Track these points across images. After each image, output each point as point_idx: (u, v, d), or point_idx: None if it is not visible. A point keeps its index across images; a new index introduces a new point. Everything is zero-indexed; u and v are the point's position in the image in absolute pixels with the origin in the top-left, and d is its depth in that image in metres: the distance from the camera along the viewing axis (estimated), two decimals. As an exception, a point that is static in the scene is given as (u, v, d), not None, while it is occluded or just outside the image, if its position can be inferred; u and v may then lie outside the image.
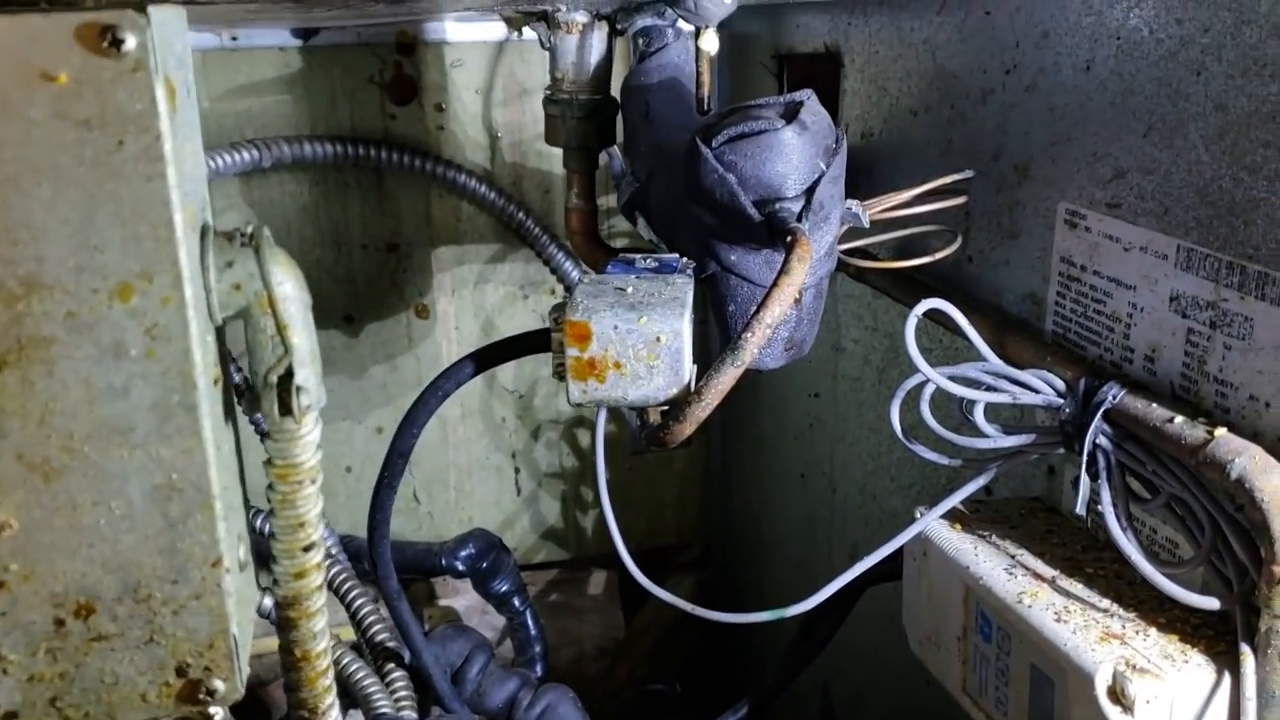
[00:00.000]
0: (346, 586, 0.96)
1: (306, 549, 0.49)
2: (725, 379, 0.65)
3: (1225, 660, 0.61)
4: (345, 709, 0.86)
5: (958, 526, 0.78)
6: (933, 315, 0.74)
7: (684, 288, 0.70)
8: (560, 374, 0.69)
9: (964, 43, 0.88)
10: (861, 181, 1.02)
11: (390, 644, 0.89)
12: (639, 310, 0.67)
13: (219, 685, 0.42)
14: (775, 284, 0.65)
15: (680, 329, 0.67)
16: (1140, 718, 0.60)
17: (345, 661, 0.83)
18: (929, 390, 0.74)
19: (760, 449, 1.47)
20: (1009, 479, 0.88)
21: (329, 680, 0.53)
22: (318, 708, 0.53)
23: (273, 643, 0.59)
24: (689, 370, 0.67)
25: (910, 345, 0.72)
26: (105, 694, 0.42)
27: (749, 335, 0.65)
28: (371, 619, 0.91)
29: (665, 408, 0.68)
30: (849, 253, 0.89)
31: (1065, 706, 0.64)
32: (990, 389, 0.73)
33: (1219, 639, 0.62)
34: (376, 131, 1.45)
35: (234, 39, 1.37)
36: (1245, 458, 0.58)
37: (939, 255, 0.83)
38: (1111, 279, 0.73)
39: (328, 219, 1.48)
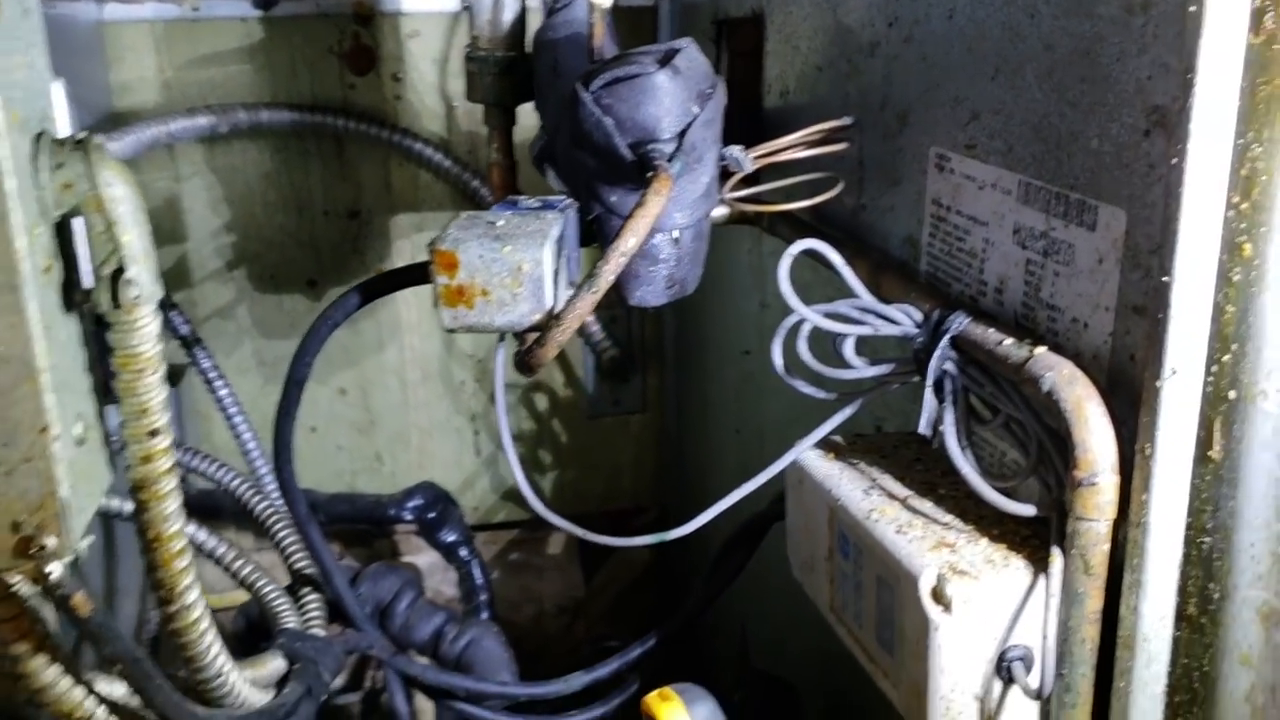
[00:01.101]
0: (273, 520, 1.00)
1: (152, 434, 0.53)
2: (583, 304, 0.69)
3: (1042, 563, 0.64)
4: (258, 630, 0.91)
5: (831, 456, 0.82)
6: (817, 257, 0.78)
7: (553, 222, 0.74)
8: (436, 302, 0.73)
9: (857, -2, 0.92)
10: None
11: (308, 571, 0.94)
12: (504, 240, 0.71)
13: (50, 542, 0.47)
14: (631, 216, 0.69)
15: (541, 258, 0.71)
16: (958, 616, 0.64)
17: (258, 582, 0.88)
18: (806, 328, 0.78)
19: (705, 409, 1.51)
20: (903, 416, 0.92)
21: (185, 562, 0.58)
22: (174, 586, 0.58)
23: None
24: (551, 298, 0.71)
25: (784, 285, 0.77)
26: (-56, 546, 0.47)
27: (604, 264, 0.69)
28: (293, 548, 0.96)
29: (534, 333, 0.72)
30: (746, 199, 0.93)
31: (899, 611, 0.68)
32: (859, 324, 0.77)
33: (1043, 547, 0.66)
34: (336, 100, 1.50)
35: (195, 9, 1.42)
36: (1054, 372, 0.62)
37: (820, 199, 0.86)
38: (970, 217, 0.77)
39: (290, 185, 1.53)
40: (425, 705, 1.30)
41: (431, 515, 1.39)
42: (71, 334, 0.50)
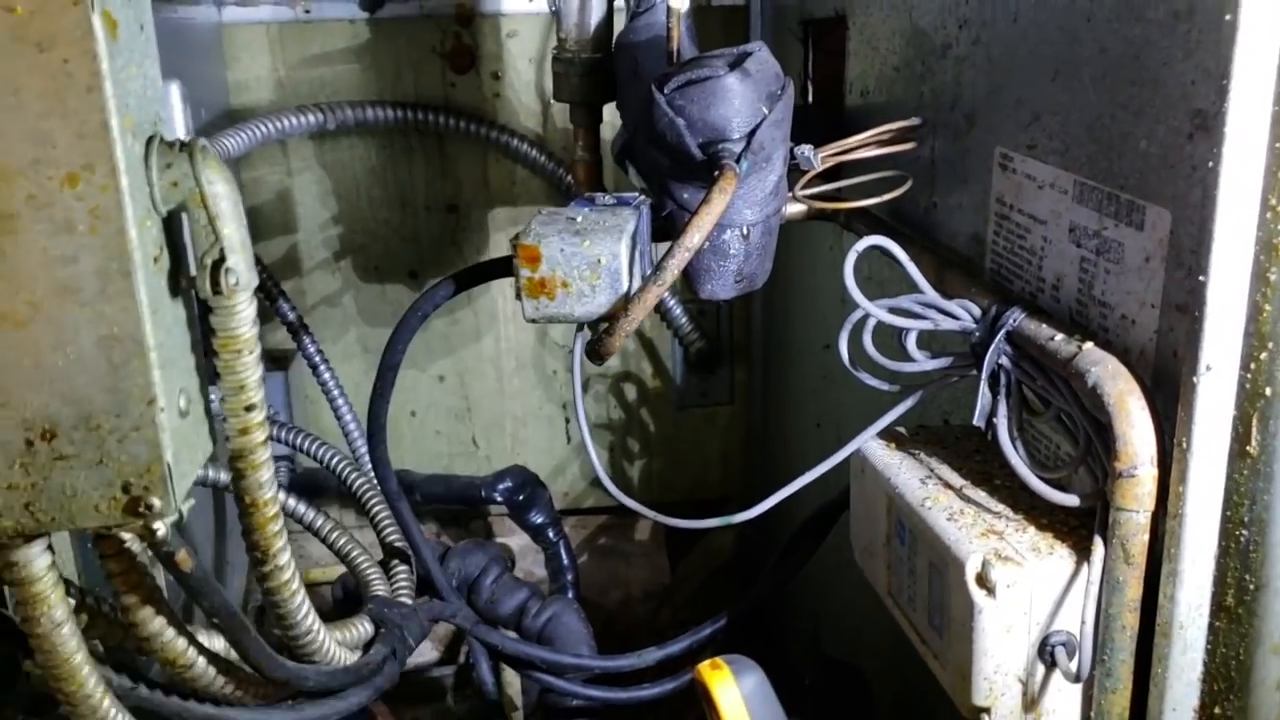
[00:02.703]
0: (368, 497, 1.07)
1: (248, 409, 0.59)
2: (650, 296, 0.73)
3: (1086, 553, 0.66)
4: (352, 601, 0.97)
5: (892, 446, 0.85)
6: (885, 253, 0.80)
7: (628, 217, 0.79)
8: (519, 294, 0.78)
9: (931, 0, 0.94)
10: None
11: (399, 544, 1.00)
12: (583, 235, 0.75)
13: (156, 503, 0.53)
14: (696, 213, 0.73)
15: (618, 251, 0.75)
16: (1001, 600, 0.66)
17: (352, 553, 0.94)
18: (871, 322, 0.81)
19: (789, 402, 1.54)
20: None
21: (278, 526, 0.64)
22: (269, 549, 0.64)
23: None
24: (626, 290, 0.76)
25: (849, 280, 0.80)
26: (67, 503, 0.53)
27: (671, 258, 0.73)
28: (385, 523, 1.02)
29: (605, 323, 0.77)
30: (817, 196, 0.95)
31: (947, 595, 0.71)
32: (921, 319, 0.80)
33: (1088, 537, 0.68)
34: (438, 98, 1.57)
35: (307, 11, 1.50)
36: (1099, 367, 0.64)
37: (887, 197, 0.89)
38: (1029, 215, 0.78)
39: (394, 181, 1.61)
40: (513, 677, 1.36)
41: (521, 497, 1.45)
42: (177, 317, 0.55)
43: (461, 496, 1.46)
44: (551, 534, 1.45)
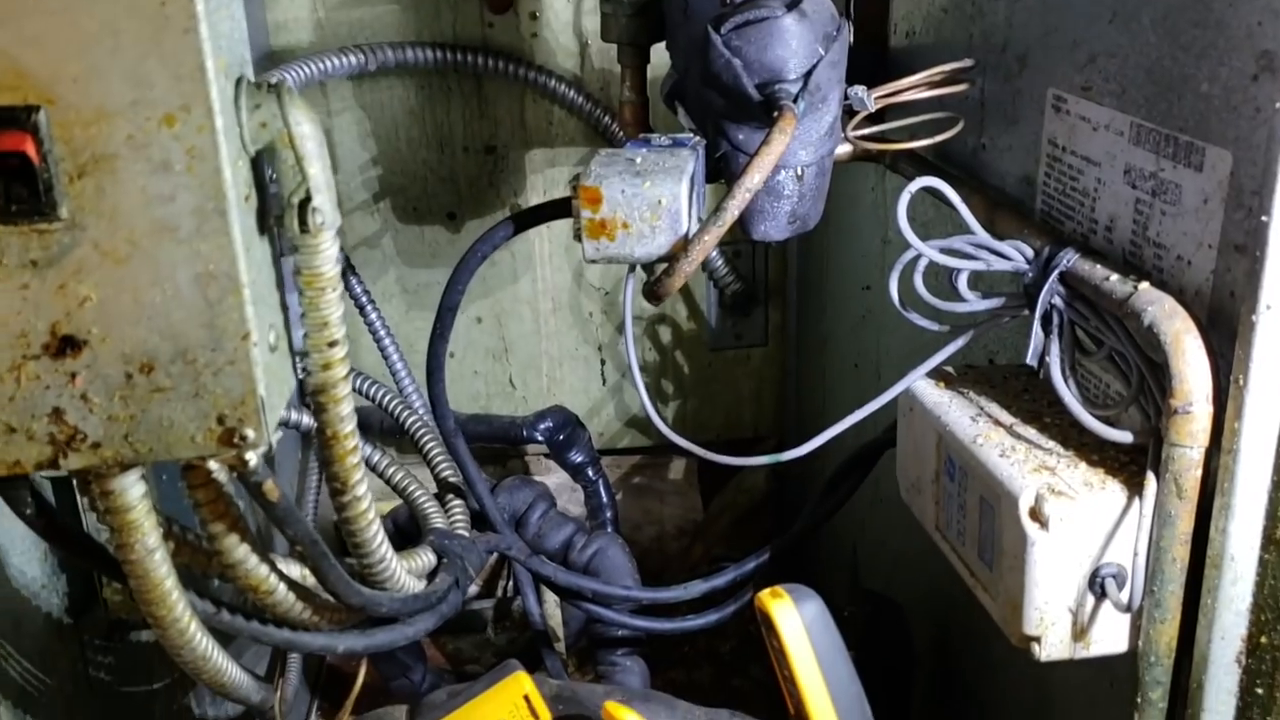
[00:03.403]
0: (421, 434, 1.09)
1: (331, 345, 0.61)
2: (710, 237, 0.74)
3: (1138, 488, 0.68)
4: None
5: (942, 385, 0.86)
6: (936, 194, 0.81)
7: (687, 159, 0.80)
8: (579, 235, 0.80)
9: (982, -61, 0.94)
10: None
11: (453, 480, 1.03)
12: (644, 177, 0.77)
13: (250, 433, 0.55)
14: (756, 153, 0.74)
15: (679, 193, 0.76)
16: (1054, 534, 0.68)
17: (410, 487, 0.97)
18: (923, 263, 0.82)
19: (825, 344, 1.55)
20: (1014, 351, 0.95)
21: (356, 459, 0.66)
22: (347, 480, 0.66)
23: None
24: (686, 231, 0.77)
25: (902, 220, 0.81)
26: (164, 434, 0.55)
27: (730, 199, 0.74)
28: (440, 459, 1.04)
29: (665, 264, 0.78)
30: (869, 138, 0.96)
31: (999, 529, 0.72)
32: (973, 260, 0.81)
33: (1139, 473, 0.69)
34: (476, 39, 1.57)
35: (346, -47, 1.50)
36: (1156, 307, 0.65)
37: (940, 138, 0.90)
38: (1083, 157, 0.79)
39: (432, 122, 1.61)
40: (554, 609, 1.40)
41: (561, 437, 1.47)
42: (265, 255, 0.57)
43: (503, 436, 1.49)
44: (591, 473, 1.47)
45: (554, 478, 1.71)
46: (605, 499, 1.46)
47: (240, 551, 0.64)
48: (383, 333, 1.38)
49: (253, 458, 0.56)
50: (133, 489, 0.58)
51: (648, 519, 1.84)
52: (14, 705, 0.71)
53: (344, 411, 0.63)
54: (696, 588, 1.08)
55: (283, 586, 0.68)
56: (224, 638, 0.70)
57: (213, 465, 0.62)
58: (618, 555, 1.18)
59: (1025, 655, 0.96)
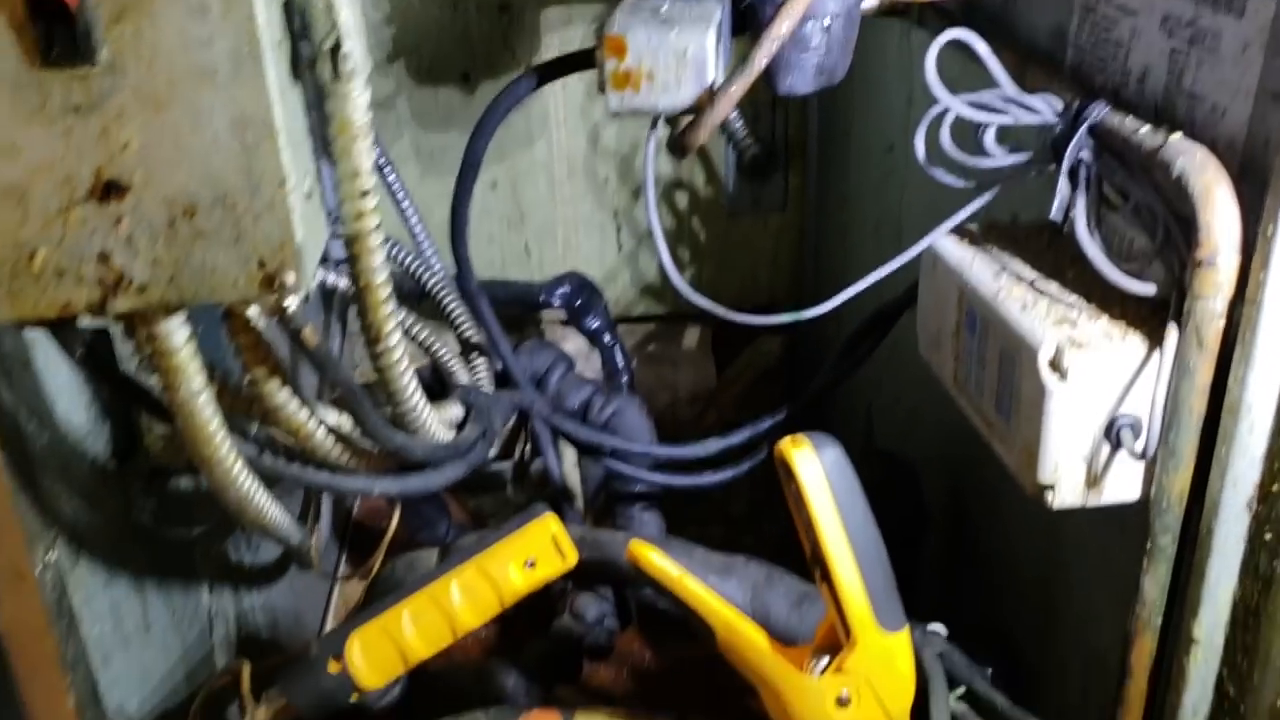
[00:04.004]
0: (443, 294, 1.10)
1: (363, 194, 0.61)
2: (737, 88, 0.74)
3: (1157, 340, 0.69)
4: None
5: (965, 242, 0.86)
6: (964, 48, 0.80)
7: (713, 8, 0.79)
8: (603, 87, 0.79)
9: None
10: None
11: (476, 340, 1.04)
12: (670, 25, 0.76)
13: (289, 278, 0.56)
14: (785, 2, 0.73)
15: (705, 43, 0.75)
16: (1072, 384, 0.69)
17: (435, 345, 0.98)
18: (950, 117, 0.82)
19: (845, 206, 1.55)
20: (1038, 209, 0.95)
21: (389, 308, 0.67)
22: (381, 328, 0.68)
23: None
24: (712, 82, 0.76)
25: (930, 73, 0.80)
26: (207, 278, 0.56)
27: (758, 49, 0.73)
28: (462, 319, 1.05)
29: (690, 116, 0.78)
30: (894, -9, 0.94)
31: (1019, 381, 0.74)
32: (1002, 113, 0.80)
33: (1160, 326, 0.70)
34: (489, -111, 1.53)
35: None
36: (1186, 157, 0.65)
37: (969, -11, 0.88)
38: (1119, 6, 0.78)
39: (445, -22, 1.58)
40: (571, 469, 1.43)
41: (578, 302, 1.48)
42: (298, 101, 0.57)
43: (520, 300, 1.50)
44: (607, 338, 1.49)
45: (570, 344, 1.72)
46: (621, 364, 1.48)
47: (281, 395, 0.66)
48: (401, 195, 1.37)
49: (292, 302, 0.57)
50: (178, 333, 0.60)
51: (661, 386, 1.86)
52: (68, 541, 0.73)
53: (376, 262, 0.64)
54: (713, 445, 1.10)
55: (322, 430, 0.70)
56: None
57: (252, 312, 0.63)
58: (635, 415, 1.20)
59: (1037, 511, 0.99)
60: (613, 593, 1.22)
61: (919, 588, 1.20)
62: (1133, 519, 0.76)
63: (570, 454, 1.39)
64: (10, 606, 0.67)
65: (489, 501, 1.65)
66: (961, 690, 0.84)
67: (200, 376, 0.62)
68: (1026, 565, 1.03)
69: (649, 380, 1.84)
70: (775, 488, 1.59)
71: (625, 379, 1.49)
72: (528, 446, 1.76)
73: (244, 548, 1.11)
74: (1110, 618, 0.84)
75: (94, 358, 0.65)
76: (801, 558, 0.93)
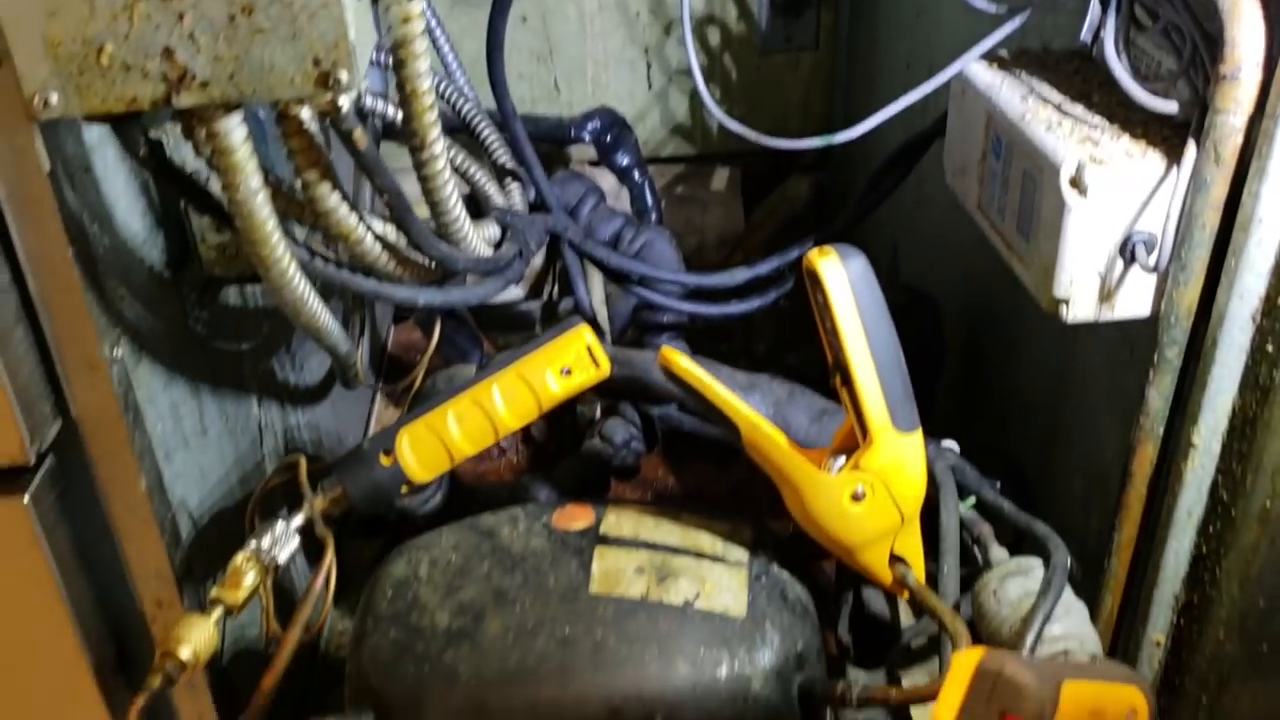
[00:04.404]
0: (476, 120, 1.12)
1: (410, -1, 0.64)
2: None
3: (1176, 157, 0.71)
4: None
5: (995, 67, 0.88)
6: None
7: None
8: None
9: None
10: None
11: (510, 166, 1.06)
12: None
13: (343, 76, 0.59)
14: None
15: None
16: (1092, 200, 0.72)
17: (470, 168, 1.01)
18: (985, -60, 0.82)
19: (876, 45, 1.54)
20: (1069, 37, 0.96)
21: (434, 115, 0.70)
22: (426, 135, 0.70)
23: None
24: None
25: (966, -106, 0.80)
26: (265, 76, 0.59)
27: None
28: (496, 146, 1.08)
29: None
30: None
31: (1040, 199, 0.76)
32: (1035, -64, 0.81)
33: (1180, 145, 0.72)
34: None
35: None
36: (1216, -27, 0.66)
37: None
38: None
39: None
40: (599, 304, 1.47)
41: (608, 138, 1.49)
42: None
43: (550, 136, 1.51)
44: (637, 175, 1.50)
45: (603, 182, 1.74)
46: (651, 201, 1.50)
47: (333, 200, 0.69)
48: (433, 22, 1.38)
49: (344, 102, 0.60)
50: (236, 130, 0.63)
51: (689, 229, 1.88)
52: (130, 341, 0.78)
53: (421, 68, 0.66)
54: (740, 274, 1.14)
55: (370, 237, 0.74)
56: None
57: (305, 114, 0.66)
58: (665, 247, 1.23)
59: (1050, 342, 1.02)
60: (639, 418, 1.27)
61: (933, 416, 1.24)
62: (1142, 338, 0.79)
63: (598, 289, 1.42)
64: (84, 395, 0.71)
65: (518, 340, 1.69)
66: (972, 500, 0.89)
67: (258, 176, 0.65)
68: (1036, 392, 1.07)
69: (677, 223, 1.86)
70: (799, 324, 1.63)
71: (654, 217, 1.51)
72: (555, 287, 1.80)
73: (289, 366, 1.16)
74: (1114, 436, 0.89)
75: (156, 157, 0.68)
76: (821, 387, 0.98)
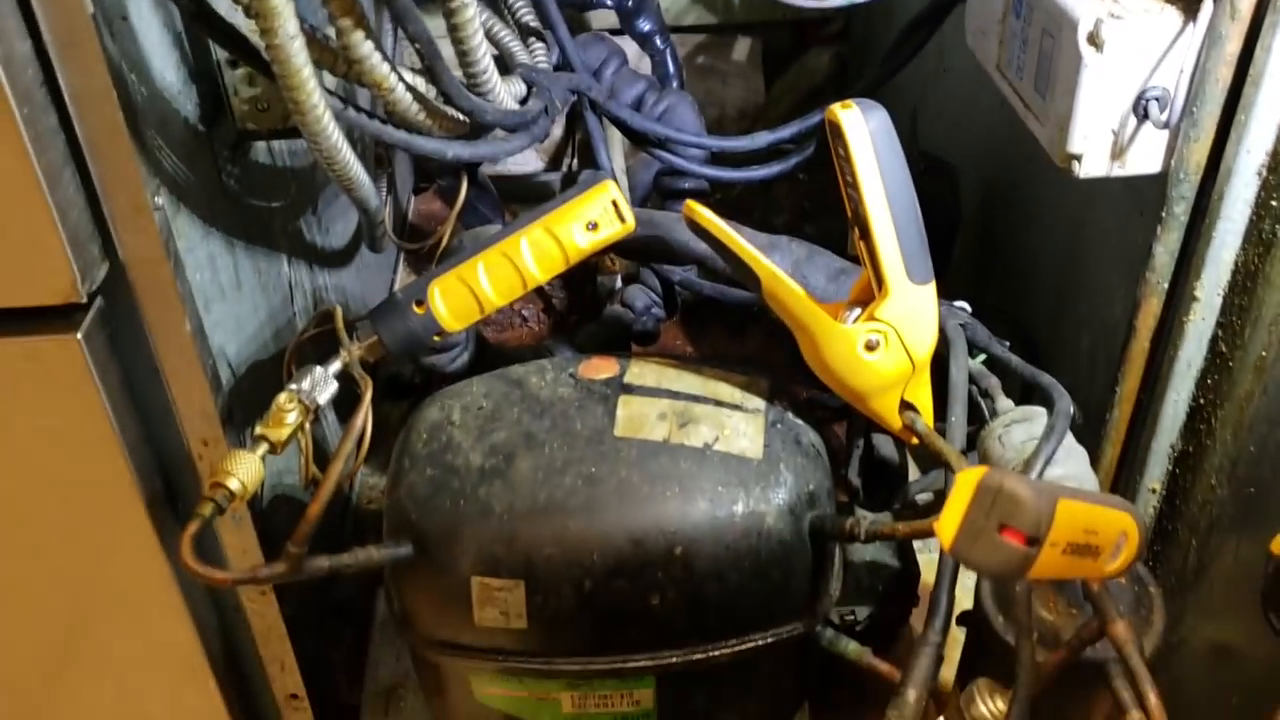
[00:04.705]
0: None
1: None
2: None
3: (1193, 14, 0.72)
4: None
5: (1018, -74, 0.88)
6: None
7: None
8: None
9: None
10: None
11: (534, 24, 1.07)
12: None
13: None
14: None
15: None
16: (1108, 55, 0.73)
17: (494, 27, 1.01)
18: None
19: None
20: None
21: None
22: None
23: None
24: None
25: None
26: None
27: None
28: (521, 5, 1.08)
29: None
30: None
31: (1058, 56, 0.78)
32: None
33: (1197, 2, 0.73)
34: None
35: None
36: None
37: None
38: None
39: None
40: (621, 167, 1.48)
41: (631, 2, 1.48)
42: None
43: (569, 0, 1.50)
44: (659, 41, 1.50)
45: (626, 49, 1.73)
46: (673, 69, 1.50)
47: (365, 47, 0.71)
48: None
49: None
50: (274, -25, 0.65)
51: (709, 100, 1.88)
52: (169, 191, 0.81)
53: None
54: (762, 138, 1.15)
55: (401, 86, 0.76)
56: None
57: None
58: (688, 112, 1.24)
59: (1064, 203, 1.04)
60: (660, 283, 1.30)
61: (947, 282, 1.27)
62: (1152, 196, 0.81)
63: (619, 159, 1.43)
64: (131, 238, 0.74)
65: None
66: (981, 358, 0.92)
67: (294, 20, 0.67)
68: (1049, 256, 1.09)
69: (697, 95, 1.85)
70: (817, 198, 1.65)
71: (676, 85, 1.51)
72: (575, 159, 1.82)
73: (316, 229, 1.19)
74: (1122, 296, 0.91)
75: (195, 2, 0.70)
76: (839, 255, 1.00)
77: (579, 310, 1.55)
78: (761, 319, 1.43)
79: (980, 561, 0.53)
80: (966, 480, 0.54)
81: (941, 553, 0.78)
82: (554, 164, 1.80)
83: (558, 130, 1.79)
